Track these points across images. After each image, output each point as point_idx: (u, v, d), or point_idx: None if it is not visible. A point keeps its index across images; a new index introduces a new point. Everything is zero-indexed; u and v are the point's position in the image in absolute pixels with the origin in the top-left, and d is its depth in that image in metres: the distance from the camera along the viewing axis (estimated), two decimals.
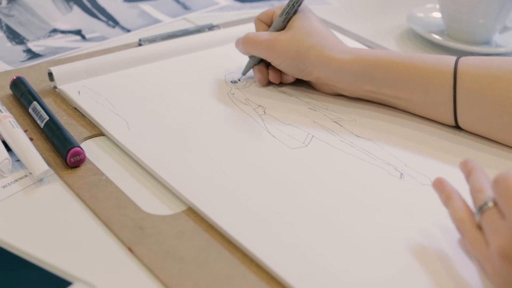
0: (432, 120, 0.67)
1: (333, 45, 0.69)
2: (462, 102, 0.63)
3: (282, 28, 0.71)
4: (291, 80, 0.73)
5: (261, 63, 0.73)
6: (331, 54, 0.67)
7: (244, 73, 0.74)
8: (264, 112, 0.68)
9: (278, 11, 0.71)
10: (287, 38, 0.69)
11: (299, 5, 0.70)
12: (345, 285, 0.48)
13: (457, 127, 0.66)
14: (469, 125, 0.65)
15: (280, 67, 0.71)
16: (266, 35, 0.70)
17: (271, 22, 0.72)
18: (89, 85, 0.70)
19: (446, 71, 0.64)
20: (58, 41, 0.84)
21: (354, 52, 0.68)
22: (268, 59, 0.71)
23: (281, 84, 0.73)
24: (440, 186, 0.52)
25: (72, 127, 0.64)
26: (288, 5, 0.70)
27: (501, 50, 0.84)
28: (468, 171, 0.51)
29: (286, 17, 0.70)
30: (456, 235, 0.51)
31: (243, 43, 0.72)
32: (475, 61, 0.64)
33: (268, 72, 0.73)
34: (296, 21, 0.70)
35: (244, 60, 0.74)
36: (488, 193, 0.48)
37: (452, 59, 0.65)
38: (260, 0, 1.01)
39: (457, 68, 0.63)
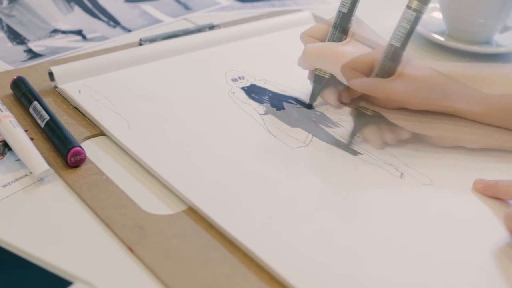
0: None
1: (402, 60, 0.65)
2: None
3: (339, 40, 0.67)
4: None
5: (331, 86, 0.68)
6: (407, 71, 0.63)
7: (313, 101, 0.69)
8: (265, 111, 0.68)
9: (327, 27, 0.68)
10: (361, 51, 0.65)
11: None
12: (345, 285, 0.48)
13: None
14: None
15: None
16: (335, 46, 0.66)
17: (325, 38, 0.68)
18: (89, 84, 0.70)
19: None
20: (59, 41, 0.84)
21: (427, 66, 0.65)
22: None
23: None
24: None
25: (72, 127, 0.64)
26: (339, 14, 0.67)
27: (501, 50, 0.84)
28: (492, 185, 0.55)
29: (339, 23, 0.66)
30: (456, 234, 0.51)
31: (309, 56, 0.67)
32: None
33: (340, 94, 0.68)
34: (358, 33, 0.66)
35: (243, 60, 0.73)
36: None
37: None
38: (260, 0, 1.01)
39: None
